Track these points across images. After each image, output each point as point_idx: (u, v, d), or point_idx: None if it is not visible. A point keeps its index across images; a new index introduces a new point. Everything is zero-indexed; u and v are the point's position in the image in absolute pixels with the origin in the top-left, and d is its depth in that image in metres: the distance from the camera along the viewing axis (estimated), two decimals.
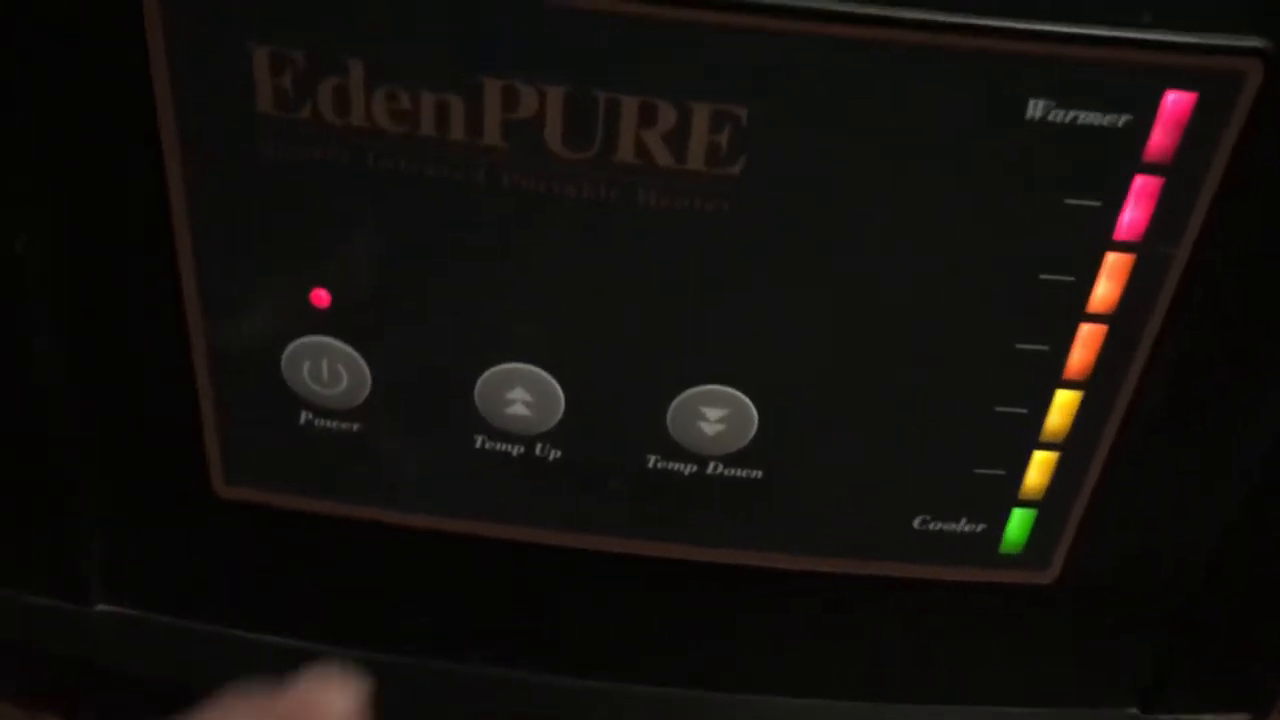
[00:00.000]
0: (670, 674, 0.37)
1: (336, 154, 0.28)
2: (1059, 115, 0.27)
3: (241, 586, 0.38)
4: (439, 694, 0.39)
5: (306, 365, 0.32)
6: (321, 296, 0.31)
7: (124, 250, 0.31)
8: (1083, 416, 0.32)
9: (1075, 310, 0.30)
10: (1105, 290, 0.30)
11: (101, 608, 0.39)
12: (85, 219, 0.31)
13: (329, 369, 0.32)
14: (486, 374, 0.32)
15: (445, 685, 0.37)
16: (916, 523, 0.34)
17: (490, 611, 0.37)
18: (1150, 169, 0.28)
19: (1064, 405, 0.32)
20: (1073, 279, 0.30)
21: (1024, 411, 0.32)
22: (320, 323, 0.31)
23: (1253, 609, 0.38)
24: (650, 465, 0.33)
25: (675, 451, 0.33)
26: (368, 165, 0.28)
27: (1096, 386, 0.32)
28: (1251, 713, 0.41)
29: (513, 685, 0.38)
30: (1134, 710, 0.40)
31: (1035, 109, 0.27)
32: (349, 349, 0.32)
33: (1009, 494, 0.34)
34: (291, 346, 0.32)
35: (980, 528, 0.34)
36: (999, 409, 0.32)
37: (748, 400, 0.32)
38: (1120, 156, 0.28)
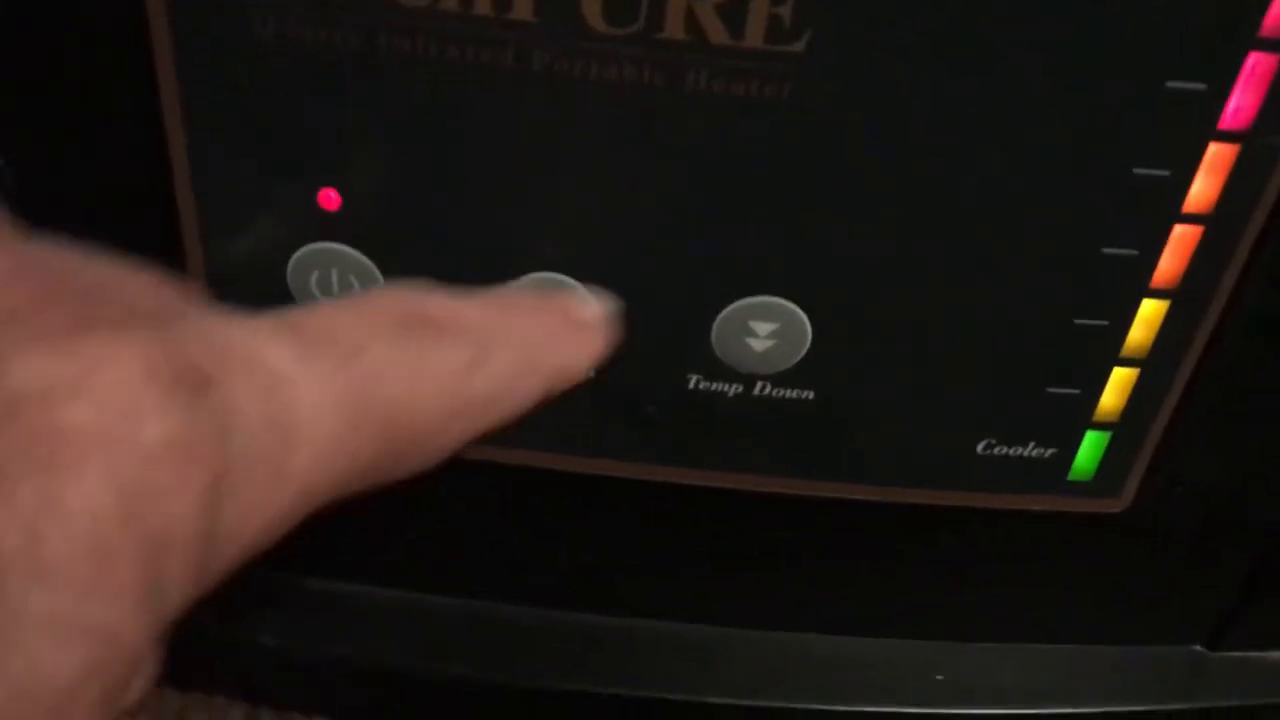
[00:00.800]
0: (722, 614, 0.35)
1: (344, 34, 0.25)
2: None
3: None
4: (477, 633, 0.36)
5: (314, 275, 0.29)
6: (330, 198, 0.28)
7: (111, 150, 0.28)
8: (1167, 330, 0.29)
9: (1171, 210, 0.27)
10: (1203, 186, 0.27)
11: None
12: (70, 119, 0.27)
13: (339, 279, 0.29)
14: (514, 284, 0.29)
15: (475, 624, 0.35)
16: (980, 447, 0.31)
17: (516, 547, 0.34)
18: (1267, 45, 0.25)
19: (1148, 317, 0.29)
20: (1169, 173, 0.27)
21: (1105, 324, 0.29)
22: (329, 227, 0.28)
23: None
24: (692, 387, 0.30)
25: (720, 371, 0.30)
26: (380, 46, 0.25)
27: (1186, 297, 0.29)
28: None
29: (551, 625, 0.35)
30: (1199, 647, 0.38)
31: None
32: (361, 256, 0.29)
33: (1083, 416, 0.31)
34: (297, 255, 0.29)
35: (1050, 452, 0.32)
36: (1078, 321, 0.29)
37: (801, 312, 0.29)
38: (1230, 31, 0.25)
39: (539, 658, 0.34)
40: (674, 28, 0.25)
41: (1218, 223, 0.27)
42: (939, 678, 0.36)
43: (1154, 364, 0.30)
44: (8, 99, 0.27)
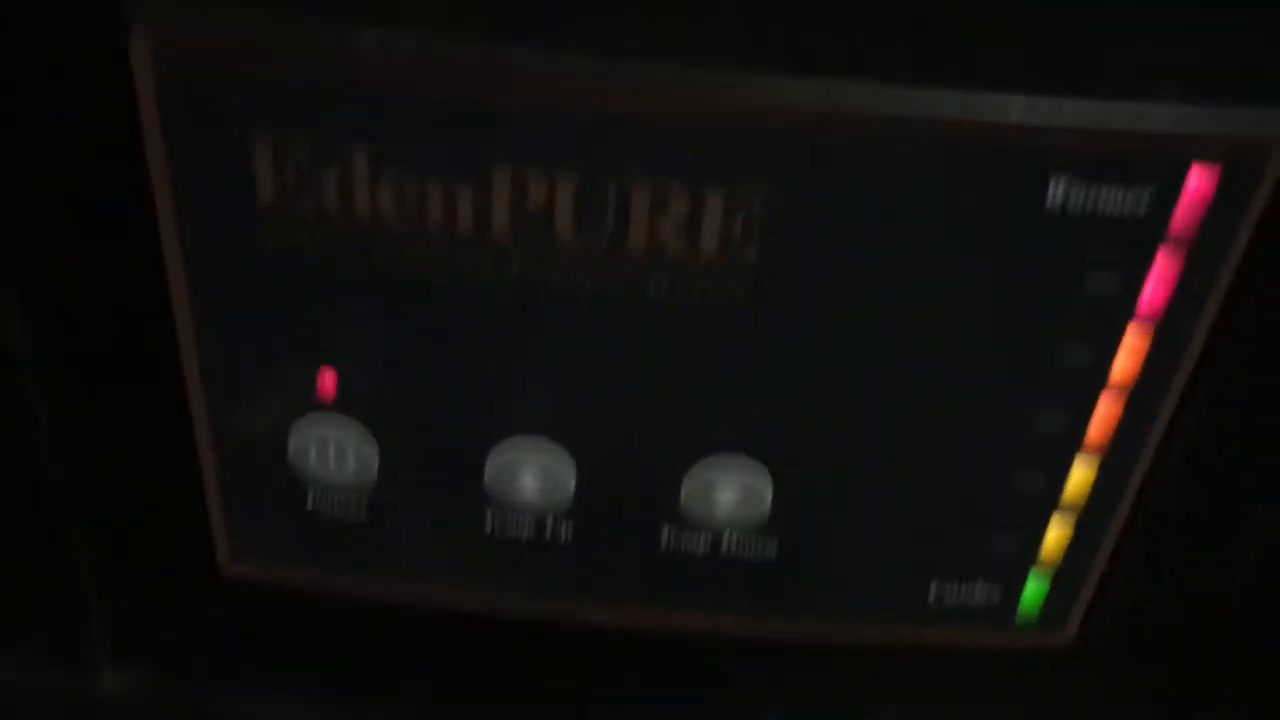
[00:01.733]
0: None
1: (340, 248, 0.28)
2: (1078, 195, 0.26)
3: (253, 656, 0.38)
4: None
5: (313, 448, 0.32)
6: (327, 380, 0.30)
7: (126, 339, 0.30)
8: (1100, 485, 0.32)
9: (1097, 381, 0.30)
10: (1125, 360, 0.30)
11: (109, 675, 0.39)
12: (87, 311, 0.30)
13: (334, 450, 0.31)
14: (495, 452, 0.31)
15: None
16: (932, 593, 0.34)
17: (500, 689, 0.36)
18: (1171, 242, 0.27)
19: (1082, 475, 0.32)
20: (1092, 354, 0.29)
21: (1042, 480, 0.32)
22: (324, 405, 0.31)
23: (1267, 661, 0.38)
24: (663, 541, 0.33)
25: (689, 524, 0.32)
26: (372, 259, 0.28)
27: (1114, 456, 0.31)
28: None
29: None
30: None
31: (1056, 189, 0.26)
32: (355, 428, 0.31)
33: (1026, 562, 0.33)
34: (297, 430, 0.31)
35: (997, 595, 0.34)
36: (1017, 479, 0.32)
37: (763, 473, 0.31)
38: (1143, 233, 0.27)
39: None
40: (638, 240, 0.27)
41: (1138, 393, 0.30)
42: None
43: (1089, 515, 0.32)
44: (42, 298, 0.30)
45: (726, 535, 0.32)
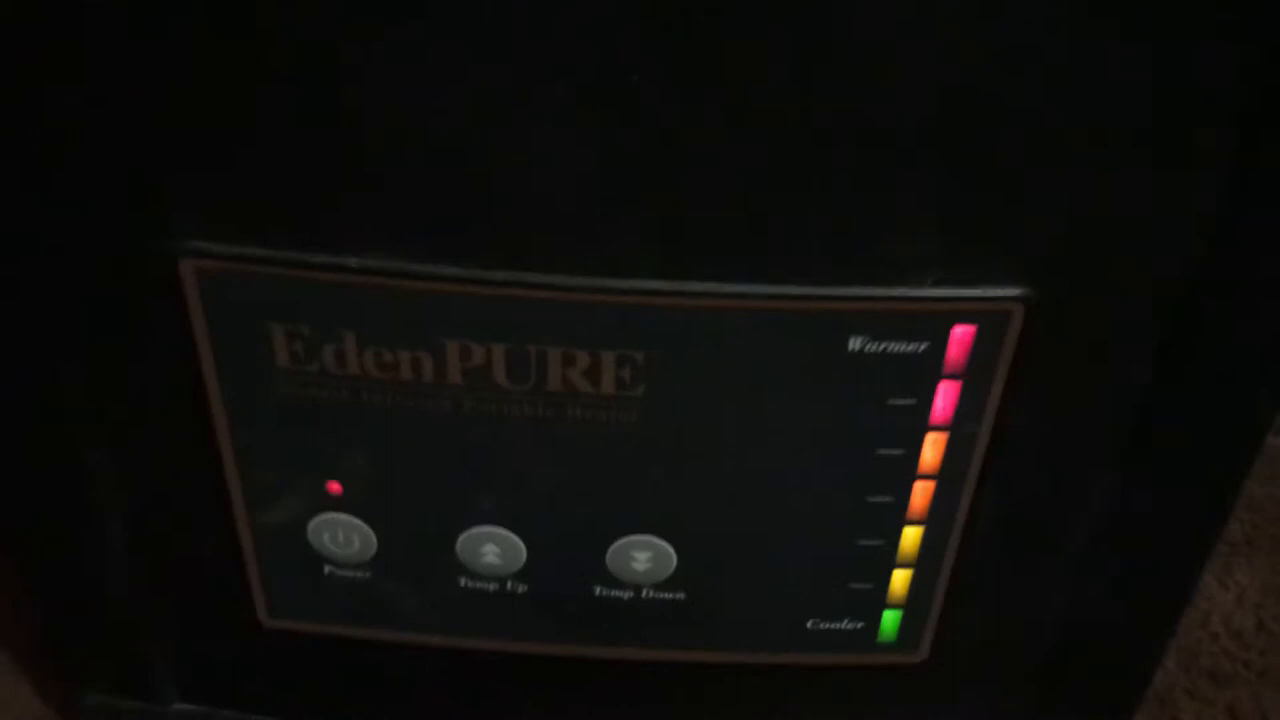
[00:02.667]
0: None
1: (338, 396, 0.38)
2: (874, 347, 0.36)
3: (287, 688, 0.48)
4: None
5: (325, 534, 0.42)
6: (334, 486, 0.40)
7: (187, 465, 0.40)
8: (926, 543, 0.41)
9: (910, 473, 0.39)
10: (930, 456, 0.39)
11: (177, 707, 0.49)
12: (157, 445, 0.40)
13: (343, 536, 0.42)
14: (465, 534, 0.41)
15: None
16: (809, 624, 0.44)
17: (480, 705, 0.46)
18: (949, 376, 0.37)
19: (911, 536, 0.41)
20: (904, 451, 0.39)
21: (881, 542, 0.41)
22: (334, 504, 0.41)
23: (1095, 665, 0.47)
24: (596, 594, 0.42)
25: (615, 583, 0.42)
26: (362, 400, 0.38)
27: (933, 522, 0.41)
28: None
29: None
30: None
31: (854, 343, 0.36)
32: (357, 521, 0.41)
33: (880, 601, 0.43)
34: (314, 521, 0.41)
35: (861, 625, 0.44)
36: (862, 542, 0.41)
37: (668, 545, 0.41)
38: (928, 369, 0.37)
39: None
40: (555, 384, 0.37)
41: (944, 476, 0.40)
42: None
43: (922, 564, 0.42)
44: (115, 441, 0.40)
45: (644, 589, 0.42)
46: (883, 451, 0.39)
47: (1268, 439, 0.74)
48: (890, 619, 0.44)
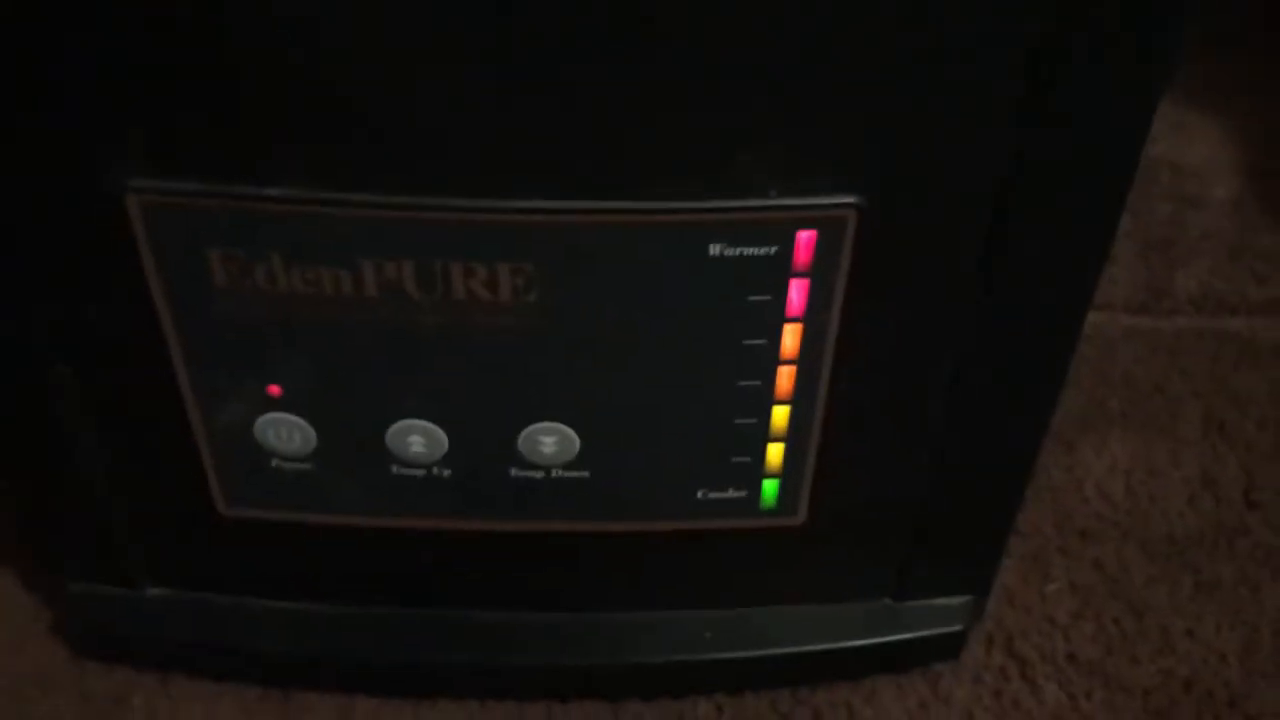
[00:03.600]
0: (541, 603, 0.54)
1: (272, 309, 0.43)
2: (731, 251, 0.42)
3: (250, 569, 0.54)
4: (395, 630, 0.55)
5: (270, 432, 0.47)
6: (275, 389, 0.46)
7: (143, 373, 0.46)
8: (794, 420, 0.48)
9: (773, 359, 0.45)
10: (789, 344, 0.45)
11: (151, 591, 0.55)
12: (115, 359, 0.46)
13: (285, 433, 0.47)
14: (393, 427, 0.47)
15: (393, 625, 0.54)
16: (699, 494, 0.50)
17: (412, 577, 0.53)
18: (799, 275, 0.43)
19: (780, 414, 0.47)
20: (766, 341, 0.45)
21: (754, 421, 0.48)
22: (276, 404, 0.47)
23: (958, 524, 0.54)
24: (511, 475, 0.49)
25: (527, 465, 0.48)
26: (293, 314, 0.43)
27: (798, 402, 0.47)
28: (974, 594, 0.58)
29: (444, 621, 0.54)
30: (888, 600, 0.57)
31: (715, 249, 0.42)
32: (297, 419, 0.47)
33: (758, 472, 0.49)
34: (259, 421, 0.47)
35: (744, 494, 0.50)
36: (738, 421, 0.47)
37: (571, 430, 0.47)
38: (779, 269, 0.43)
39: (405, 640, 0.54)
40: (459, 294, 0.43)
41: (803, 361, 0.46)
42: (707, 635, 0.55)
43: (792, 439, 0.48)
44: (80, 363, 0.46)
45: (552, 470, 0.48)
46: (748, 341, 0.45)
47: (1141, 322, 0.81)
48: (770, 487, 0.50)
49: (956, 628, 0.57)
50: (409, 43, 0.38)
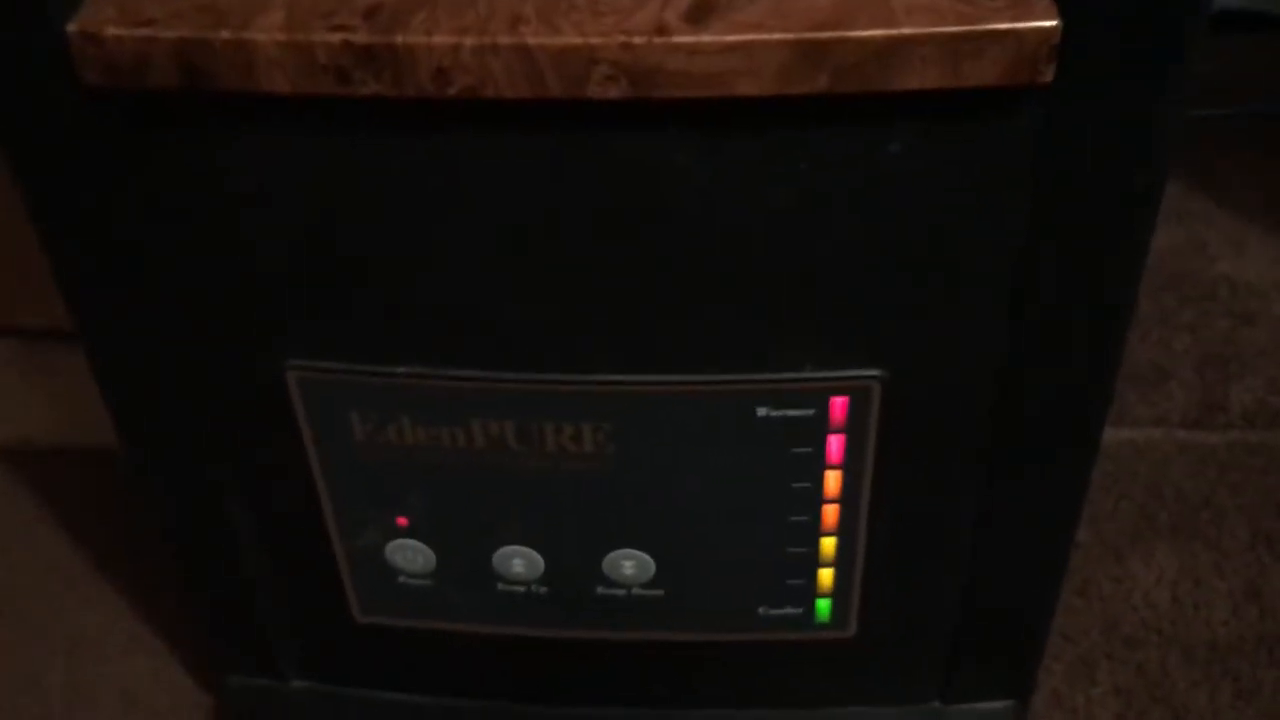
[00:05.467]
0: (625, 699, 0.62)
1: (400, 457, 0.53)
2: (776, 413, 0.50)
3: (379, 667, 0.64)
4: None
5: (398, 554, 0.57)
6: (402, 520, 0.56)
7: (295, 510, 0.56)
8: (840, 549, 0.55)
9: (818, 498, 0.53)
10: (831, 486, 0.53)
11: (295, 683, 0.65)
12: (274, 499, 0.56)
13: (410, 556, 0.57)
14: (498, 551, 0.56)
15: (498, 718, 0.63)
16: (760, 611, 0.58)
17: (513, 675, 0.62)
18: (835, 431, 0.51)
19: (828, 544, 0.55)
20: (810, 484, 0.53)
21: (805, 549, 0.55)
22: (403, 533, 0.56)
23: (995, 635, 0.61)
24: (597, 592, 0.57)
25: (611, 584, 0.57)
26: (417, 461, 0.53)
27: (843, 533, 0.55)
28: (1017, 698, 0.64)
29: (542, 716, 0.63)
30: (936, 703, 0.63)
31: (762, 412, 0.50)
32: (420, 544, 0.56)
33: (812, 592, 0.57)
34: (389, 545, 0.57)
35: (800, 610, 0.58)
36: (791, 549, 0.55)
37: (647, 555, 0.56)
38: (818, 427, 0.51)
39: None
40: (551, 446, 0.52)
41: (845, 500, 0.53)
42: None
43: (841, 564, 0.56)
44: (248, 497, 0.56)
45: (632, 588, 0.57)
46: (795, 485, 0.53)
47: (1195, 436, 0.86)
48: (823, 605, 0.58)
49: None
50: (508, 266, 0.47)
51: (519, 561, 0.57)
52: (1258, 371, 0.88)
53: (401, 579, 0.58)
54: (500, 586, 0.57)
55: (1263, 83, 1.09)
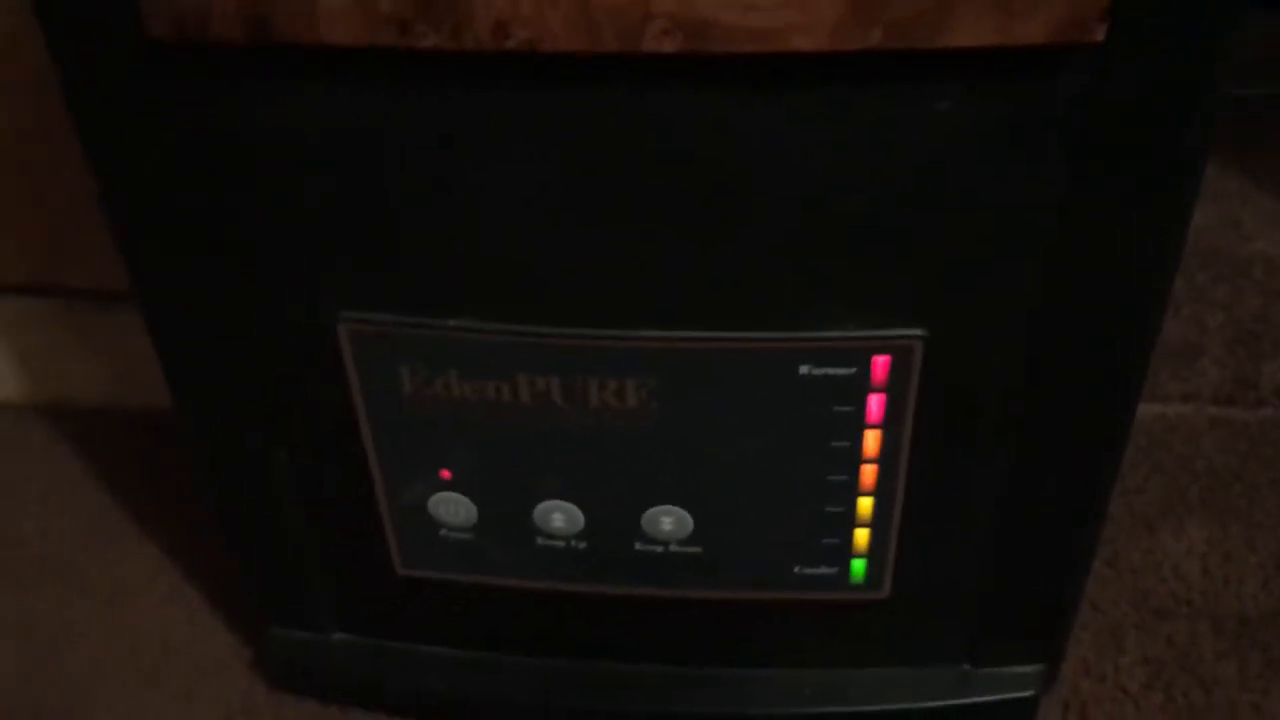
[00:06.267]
0: (661, 656, 0.63)
1: (447, 411, 0.54)
2: (818, 371, 0.51)
3: (420, 620, 0.65)
4: (536, 674, 0.65)
5: (441, 507, 0.58)
6: (446, 474, 0.57)
7: (340, 462, 0.57)
8: (877, 509, 0.56)
9: (857, 458, 0.54)
10: (870, 446, 0.54)
11: (337, 636, 0.66)
12: (320, 450, 0.57)
13: (453, 509, 0.58)
14: (539, 506, 0.57)
15: (536, 671, 0.64)
16: (796, 570, 0.59)
17: (552, 630, 0.63)
18: (876, 390, 0.51)
19: (865, 504, 0.56)
20: (850, 443, 0.53)
21: (843, 509, 0.56)
22: (446, 486, 0.57)
23: (1026, 599, 0.61)
24: (636, 548, 0.58)
25: (649, 540, 0.58)
26: (463, 415, 0.54)
27: (880, 493, 0.55)
28: (1046, 663, 0.64)
29: (577, 670, 0.64)
30: (966, 666, 0.64)
31: (805, 369, 0.51)
32: (463, 498, 0.57)
33: (848, 552, 0.58)
34: (433, 498, 0.58)
35: (836, 570, 0.59)
36: (828, 508, 0.56)
37: (686, 512, 0.57)
38: (859, 386, 0.51)
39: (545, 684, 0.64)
40: (595, 401, 0.52)
41: (883, 460, 0.54)
42: (806, 692, 0.63)
43: (877, 524, 0.57)
44: (292, 449, 0.57)
45: (670, 545, 0.58)
46: (835, 444, 0.53)
47: (1227, 412, 0.86)
48: (858, 566, 0.58)
49: (1029, 693, 0.64)
50: (558, 222, 0.48)
51: (559, 516, 0.57)
52: None
53: (443, 532, 0.59)
54: (540, 541, 0.58)
55: None
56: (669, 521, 0.57)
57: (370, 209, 0.48)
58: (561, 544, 0.58)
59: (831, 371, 0.51)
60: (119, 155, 0.49)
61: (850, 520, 0.57)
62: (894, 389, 0.52)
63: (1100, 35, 0.41)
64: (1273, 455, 0.81)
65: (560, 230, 0.48)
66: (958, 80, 0.43)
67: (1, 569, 0.78)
